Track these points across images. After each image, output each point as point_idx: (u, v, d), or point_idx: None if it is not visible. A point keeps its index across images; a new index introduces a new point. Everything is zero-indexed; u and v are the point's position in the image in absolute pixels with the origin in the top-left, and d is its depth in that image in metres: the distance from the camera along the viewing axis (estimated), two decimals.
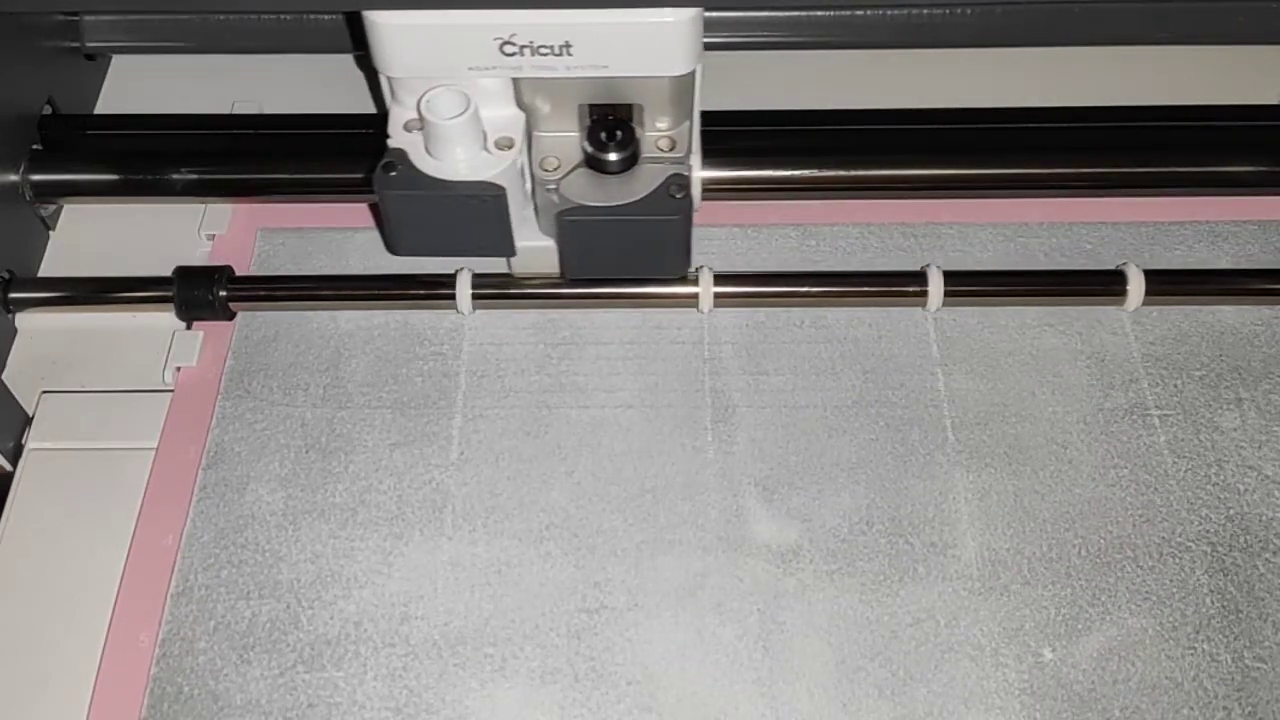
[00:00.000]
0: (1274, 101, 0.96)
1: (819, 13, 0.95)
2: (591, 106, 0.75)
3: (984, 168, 0.89)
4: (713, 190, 0.85)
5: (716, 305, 0.84)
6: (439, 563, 0.75)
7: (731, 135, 0.88)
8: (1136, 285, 0.83)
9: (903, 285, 0.85)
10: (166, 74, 1.01)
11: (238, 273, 0.86)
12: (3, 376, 0.84)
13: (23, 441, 0.81)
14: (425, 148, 0.74)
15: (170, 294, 0.85)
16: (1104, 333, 0.84)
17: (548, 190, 0.75)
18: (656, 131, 0.76)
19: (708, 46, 0.96)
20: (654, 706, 0.70)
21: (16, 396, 0.82)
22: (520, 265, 0.83)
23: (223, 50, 1.00)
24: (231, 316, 0.86)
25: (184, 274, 0.85)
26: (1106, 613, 0.73)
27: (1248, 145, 0.89)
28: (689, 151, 0.77)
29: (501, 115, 0.75)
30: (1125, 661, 0.71)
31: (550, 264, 0.81)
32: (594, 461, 0.79)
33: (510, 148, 0.74)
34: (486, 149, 0.74)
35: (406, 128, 0.75)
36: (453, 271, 0.85)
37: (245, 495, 0.78)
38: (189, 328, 0.86)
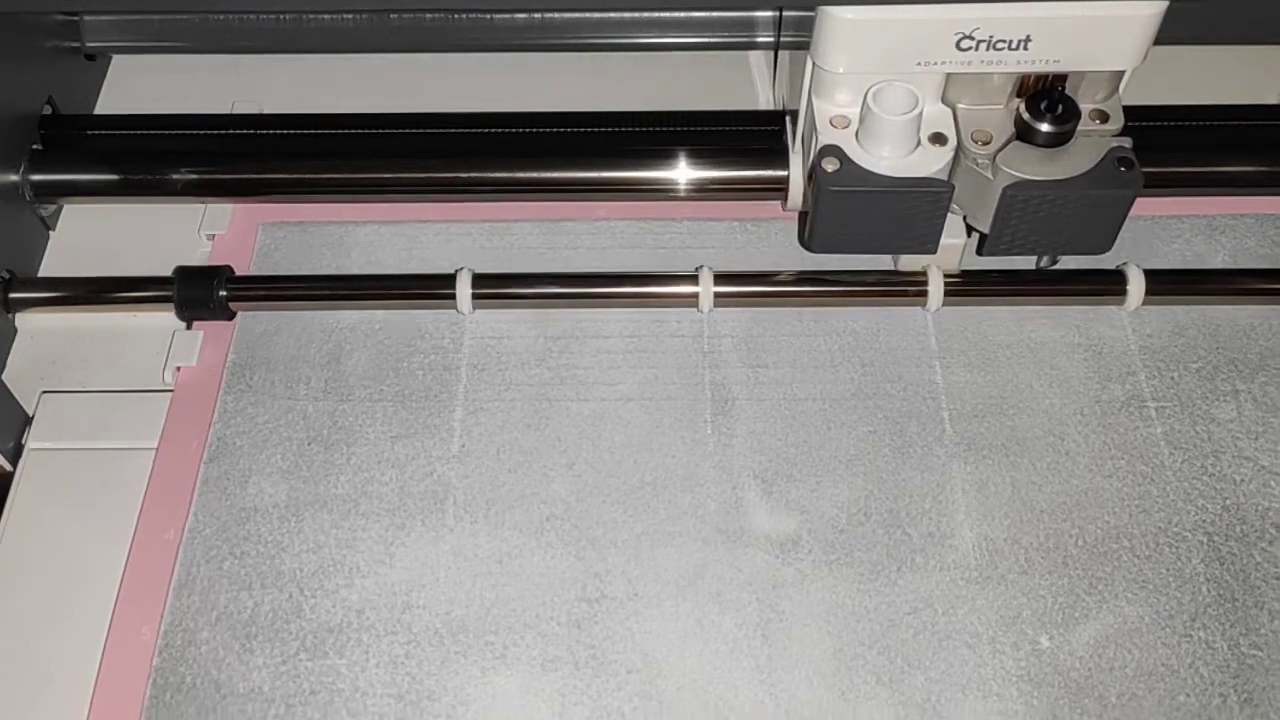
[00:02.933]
0: (1274, 101, 0.99)
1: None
2: (1023, 78, 0.76)
3: None
4: None
5: (716, 305, 0.87)
6: (440, 553, 0.77)
7: (729, 134, 0.92)
8: (1137, 285, 0.86)
9: (903, 285, 0.87)
10: (166, 74, 1.03)
11: (238, 272, 0.88)
12: (3, 376, 0.86)
13: (23, 441, 0.83)
14: (858, 143, 0.76)
15: (170, 294, 0.87)
16: (1101, 325, 0.87)
17: (977, 166, 0.76)
18: (1091, 104, 0.77)
19: (697, 47, 1.00)
20: (654, 694, 0.72)
21: (16, 396, 0.84)
22: (909, 261, 0.86)
23: (223, 50, 1.03)
24: (231, 316, 0.88)
25: (184, 274, 0.87)
26: (1103, 601, 0.75)
27: (1248, 145, 0.92)
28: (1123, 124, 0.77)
29: (931, 110, 0.77)
30: (1122, 649, 0.74)
31: (947, 260, 0.84)
32: (594, 454, 0.81)
33: (944, 143, 0.76)
34: (921, 144, 0.76)
35: (833, 123, 0.77)
36: (452, 271, 0.87)
37: (248, 488, 0.80)
38: (189, 328, 0.88)
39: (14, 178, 0.89)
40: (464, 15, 0.99)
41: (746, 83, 1.02)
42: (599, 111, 0.95)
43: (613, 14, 0.99)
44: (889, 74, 0.74)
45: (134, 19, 1.01)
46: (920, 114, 0.74)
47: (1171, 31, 0.95)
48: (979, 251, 0.82)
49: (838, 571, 0.77)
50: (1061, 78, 0.76)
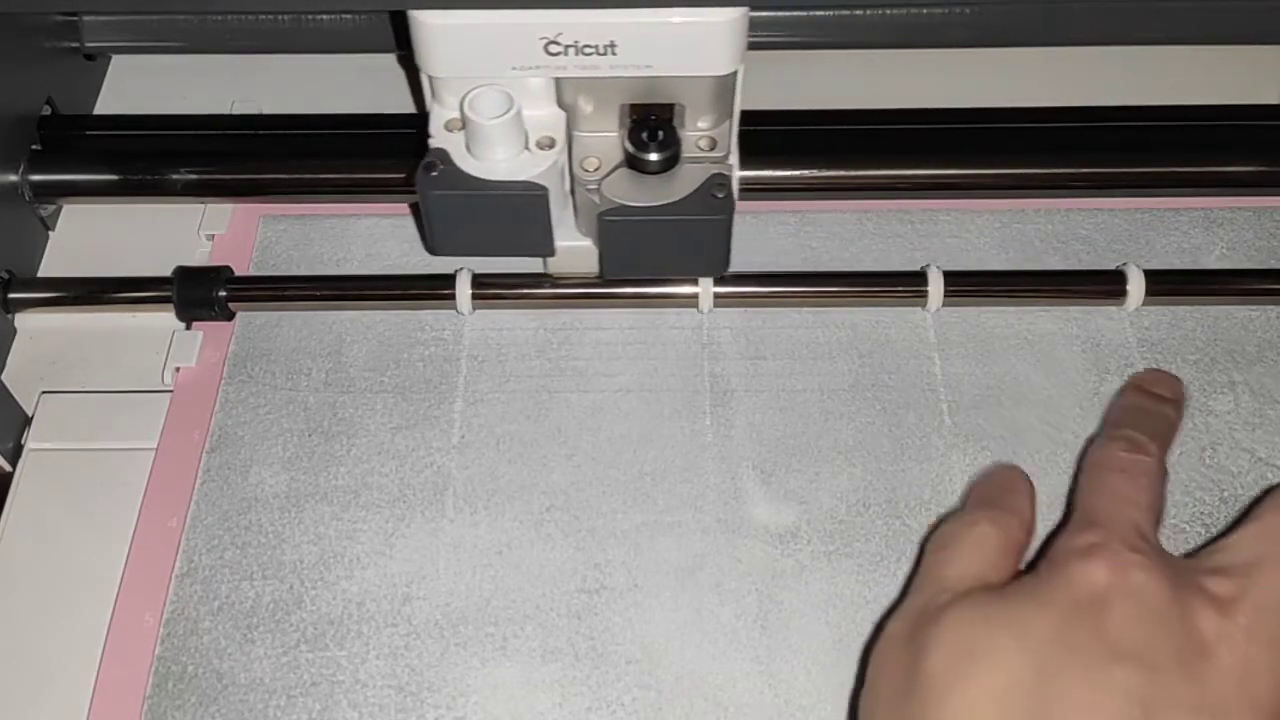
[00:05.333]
0: (1274, 101, 1.00)
1: (819, 13, 0.99)
2: (632, 106, 0.78)
3: (984, 168, 0.92)
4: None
5: (716, 305, 0.88)
6: (440, 544, 0.79)
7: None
8: (1136, 286, 0.87)
9: (903, 285, 0.89)
10: (166, 74, 1.05)
11: (237, 272, 0.90)
12: (2, 377, 0.87)
13: (22, 442, 0.84)
14: (467, 147, 0.77)
15: (170, 294, 0.88)
16: (1099, 318, 0.88)
17: (588, 190, 0.78)
18: (697, 131, 0.79)
19: None
20: (653, 685, 0.74)
21: (16, 397, 0.85)
22: (557, 265, 0.87)
23: (223, 50, 1.04)
24: (231, 317, 0.89)
25: (184, 274, 0.89)
26: None
27: (1248, 145, 0.93)
28: (730, 151, 0.79)
29: (543, 114, 0.78)
30: None
31: (588, 264, 0.85)
32: (594, 445, 0.83)
33: (551, 147, 0.77)
34: (528, 149, 0.77)
35: (448, 127, 0.78)
36: (452, 271, 0.88)
37: (249, 478, 0.82)
38: (188, 328, 0.89)
39: (13, 178, 0.90)
40: None
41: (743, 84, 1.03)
42: None
43: None
44: (488, 78, 0.75)
45: (134, 19, 1.02)
46: (513, 117, 0.75)
47: (1172, 31, 0.98)
48: (600, 274, 0.85)
49: (837, 562, 0.78)
50: (670, 105, 0.78)
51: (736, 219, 0.87)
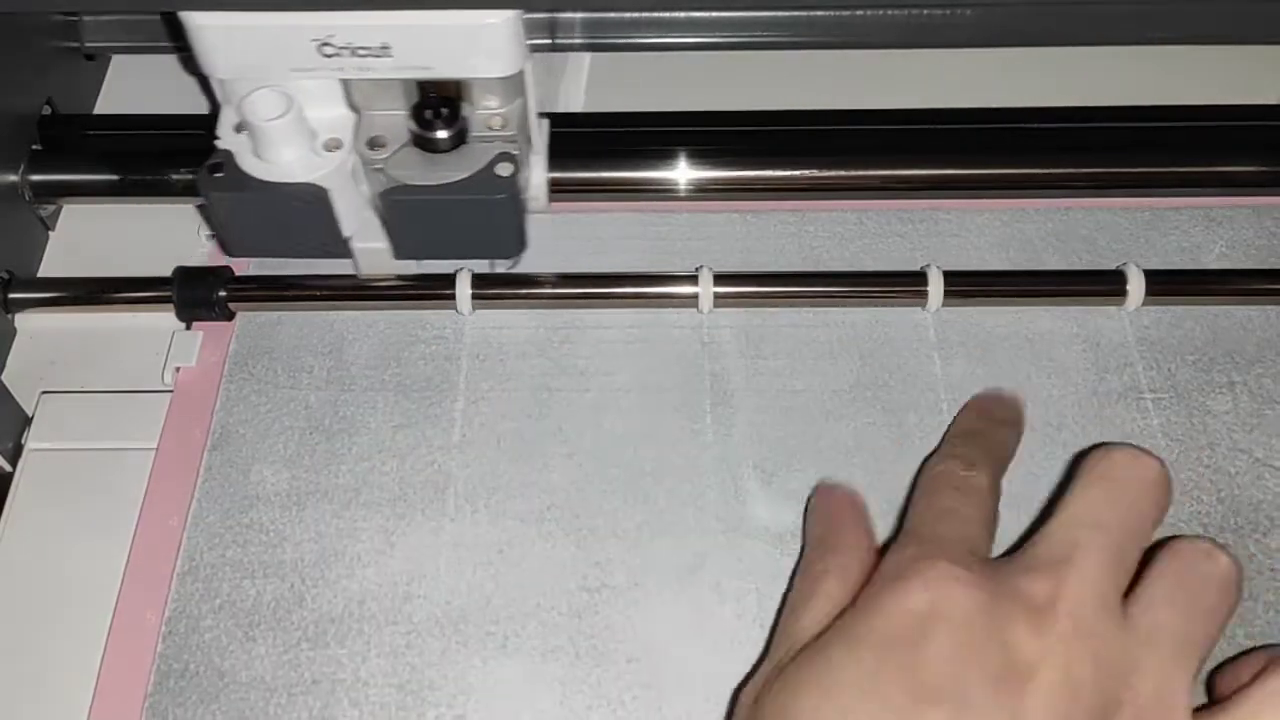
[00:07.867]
0: (1274, 101, 1.01)
1: (819, 13, 0.99)
2: (420, 83, 0.79)
3: (984, 168, 0.93)
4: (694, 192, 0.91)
5: (716, 305, 0.89)
6: (441, 543, 0.79)
7: (729, 135, 0.94)
8: (1136, 285, 0.88)
9: (903, 285, 0.89)
10: (166, 74, 1.05)
11: (237, 273, 0.90)
12: (2, 377, 0.87)
13: (22, 442, 0.85)
14: (253, 149, 0.78)
15: (170, 294, 0.88)
16: (1099, 317, 0.89)
17: (375, 170, 0.79)
18: (487, 110, 0.80)
19: (709, 46, 1.00)
20: (653, 683, 0.74)
21: (16, 397, 0.86)
22: (367, 267, 0.87)
23: None
24: (231, 317, 0.90)
25: (184, 274, 0.89)
26: None
27: (1248, 145, 0.94)
28: (523, 128, 0.81)
29: (332, 115, 0.79)
30: None
31: (377, 263, 0.86)
32: (594, 444, 0.83)
33: (338, 149, 0.78)
34: (315, 150, 0.78)
35: (237, 129, 0.79)
36: (452, 272, 0.88)
37: (250, 476, 0.82)
38: (188, 328, 0.90)
39: (13, 178, 0.91)
40: None
41: (744, 84, 1.04)
42: (600, 112, 0.98)
43: (612, 14, 1.00)
44: (270, 80, 0.76)
45: (134, 19, 1.03)
46: (291, 119, 0.76)
47: (1172, 31, 0.99)
48: (393, 255, 0.85)
49: None
50: (458, 84, 0.79)
51: (737, 217, 0.88)
